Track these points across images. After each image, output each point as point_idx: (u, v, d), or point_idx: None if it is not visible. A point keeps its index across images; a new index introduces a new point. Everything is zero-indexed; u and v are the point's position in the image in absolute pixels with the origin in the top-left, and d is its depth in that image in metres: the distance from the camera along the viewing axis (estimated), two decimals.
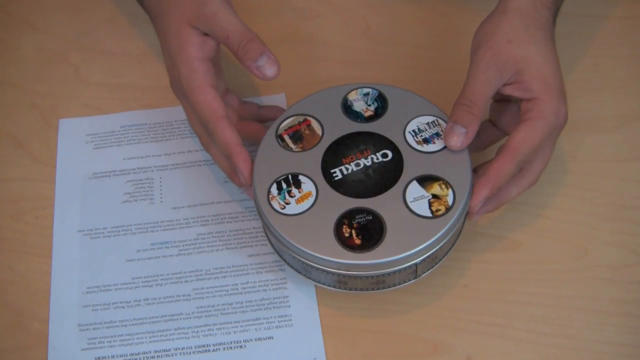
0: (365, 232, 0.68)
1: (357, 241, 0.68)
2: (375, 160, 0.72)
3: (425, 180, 0.70)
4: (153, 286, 0.75)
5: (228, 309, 0.74)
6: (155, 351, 0.72)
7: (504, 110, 0.75)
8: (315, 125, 0.74)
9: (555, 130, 0.71)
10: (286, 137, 0.73)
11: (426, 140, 0.72)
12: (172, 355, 0.72)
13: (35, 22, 0.91)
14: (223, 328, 0.73)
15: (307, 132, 0.73)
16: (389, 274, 0.69)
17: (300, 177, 0.71)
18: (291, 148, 0.73)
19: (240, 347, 0.72)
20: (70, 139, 0.83)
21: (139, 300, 0.75)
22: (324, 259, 0.68)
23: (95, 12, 0.92)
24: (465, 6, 0.88)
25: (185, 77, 0.72)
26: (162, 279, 0.76)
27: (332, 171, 0.71)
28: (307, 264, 0.69)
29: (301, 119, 0.74)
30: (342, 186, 0.70)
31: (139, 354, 0.72)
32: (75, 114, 0.85)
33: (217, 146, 0.73)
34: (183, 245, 0.77)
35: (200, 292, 0.75)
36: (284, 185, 0.70)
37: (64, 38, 0.90)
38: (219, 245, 0.77)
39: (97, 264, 0.76)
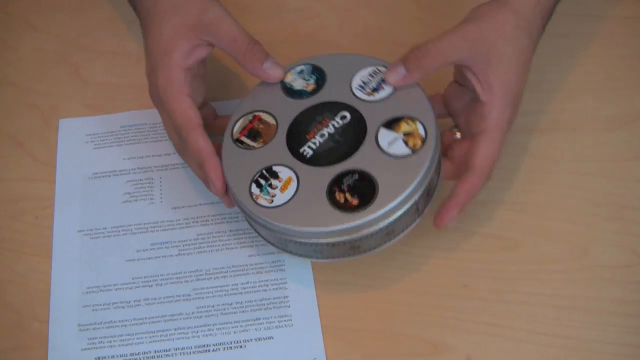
0: (358, 190, 0.68)
1: (355, 201, 0.68)
2: (336, 126, 0.72)
3: (391, 124, 0.71)
4: (153, 286, 0.75)
5: (228, 309, 0.74)
6: (155, 351, 0.72)
7: (459, 94, 0.75)
8: (266, 117, 0.74)
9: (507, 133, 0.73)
10: (244, 138, 0.73)
11: (375, 90, 0.73)
12: (172, 355, 0.72)
13: (35, 22, 0.91)
14: (223, 328, 0.73)
15: (261, 126, 0.74)
16: (396, 220, 0.69)
17: (275, 168, 0.71)
18: (253, 146, 0.73)
19: (240, 347, 0.72)
20: (70, 139, 0.83)
21: (139, 300, 0.75)
22: (334, 230, 0.68)
23: (95, 12, 0.92)
24: (465, 6, 0.88)
25: (163, 83, 0.72)
26: (162, 279, 0.76)
27: (301, 150, 0.71)
28: (318, 245, 0.69)
29: (250, 116, 0.74)
30: (316, 160, 0.71)
31: (139, 354, 0.72)
32: (75, 114, 0.85)
33: (190, 154, 0.73)
34: (183, 245, 0.77)
35: (200, 292, 0.75)
36: (262, 182, 0.70)
37: (64, 38, 0.90)
38: (219, 245, 0.77)
39: (97, 264, 0.76)
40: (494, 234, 0.77)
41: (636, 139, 0.81)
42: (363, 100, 0.73)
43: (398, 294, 0.74)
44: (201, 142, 0.72)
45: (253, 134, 0.73)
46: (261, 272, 0.76)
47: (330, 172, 0.70)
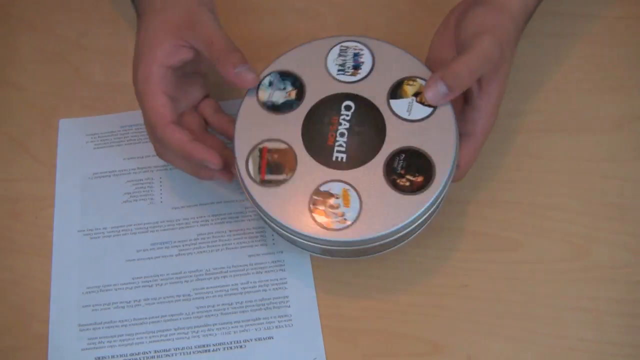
0: (414, 168, 0.69)
1: (420, 178, 0.68)
2: (347, 118, 0.70)
3: (395, 93, 0.71)
4: (153, 286, 0.75)
5: (228, 309, 0.74)
6: (155, 351, 0.72)
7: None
8: (273, 145, 0.71)
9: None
10: (269, 177, 0.70)
11: (356, 67, 0.72)
12: (172, 355, 0.72)
13: (35, 22, 0.91)
14: (223, 328, 0.73)
15: (275, 156, 0.70)
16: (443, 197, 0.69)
17: (322, 188, 0.69)
18: (284, 179, 0.69)
19: (240, 347, 0.73)
20: (70, 139, 0.83)
21: (139, 300, 0.75)
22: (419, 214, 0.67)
23: (95, 12, 0.92)
24: None
25: (141, 78, 0.72)
26: (162, 279, 0.76)
27: (334, 159, 0.69)
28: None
29: (257, 152, 0.71)
30: (355, 160, 0.69)
31: (139, 354, 0.72)
32: (75, 114, 0.85)
33: (171, 151, 0.73)
34: (183, 245, 0.77)
35: (200, 292, 0.75)
36: (322, 207, 0.68)
37: (64, 38, 0.90)
38: (219, 245, 0.77)
39: (97, 264, 0.77)
40: (494, 234, 0.77)
41: (636, 139, 0.81)
42: (353, 82, 0.72)
43: (398, 294, 0.74)
44: (177, 136, 0.71)
45: (274, 168, 0.70)
46: (261, 272, 0.76)
47: (376, 164, 0.69)
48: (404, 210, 0.67)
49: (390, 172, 0.68)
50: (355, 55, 0.73)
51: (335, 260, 0.73)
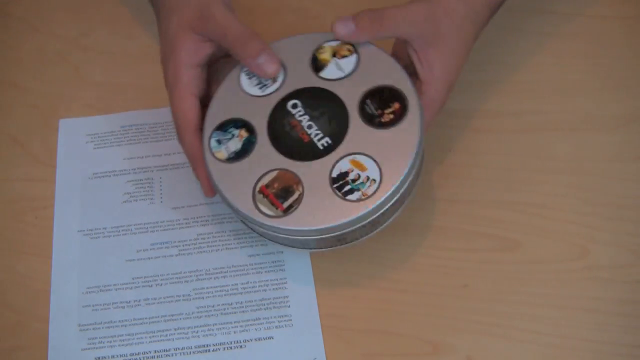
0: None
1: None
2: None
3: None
4: (153, 286, 0.75)
5: (228, 309, 0.74)
6: (155, 351, 0.72)
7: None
8: (279, 175, 0.70)
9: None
10: (286, 204, 0.69)
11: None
12: (172, 355, 0.72)
13: (35, 22, 0.91)
14: (223, 328, 0.73)
15: (279, 185, 0.70)
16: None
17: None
18: (292, 208, 0.69)
19: (240, 347, 0.73)
20: (70, 139, 0.83)
21: (139, 300, 0.75)
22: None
23: (95, 12, 0.92)
24: None
25: (170, 81, 0.73)
26: (162, 279, 0.76)
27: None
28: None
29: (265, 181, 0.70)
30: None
31: (139, 354, 0.72)
32: (75, 114, 0.85)
33: (184, 152, 0.74)
34: (183, 245, 0.77)
35: (200, 292, 0.75)
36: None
37: (64, 38, 0.90)
38: (219, 245, 0.77)
39: (97, 264, 0.77)
40: (494, 234, 0.77)
41: (636, 139, 0.81)
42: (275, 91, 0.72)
43: (398, 294, 0.74)
44: (196, 145, 0.72)
45: (284, 195, 0.69)
46: (261, 272, 0.76)
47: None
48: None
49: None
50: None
51: (335, 260, 0.73)
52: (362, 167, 0.68)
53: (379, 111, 0.70)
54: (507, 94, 0.84)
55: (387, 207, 0.68)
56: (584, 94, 0.83)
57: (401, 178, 0.68)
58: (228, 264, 0.76)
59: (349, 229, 0.68)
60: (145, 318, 0.74)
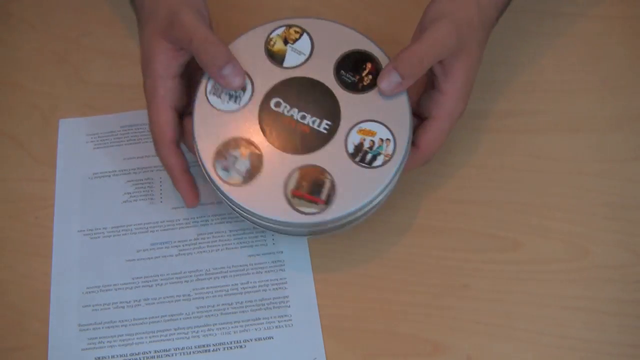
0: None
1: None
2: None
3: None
4: (153, 286, 0.75)
5: (228, 309, 0.74)
6: (155, 351, 0.72)
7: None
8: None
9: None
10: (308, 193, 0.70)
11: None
12: (172, 355, 0.72)
13: (35, 22, 0.91)
14: (223, 328, 0.73)
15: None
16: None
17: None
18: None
19: (240, 347, 0.73)
20: (70, 139, 0.83)
21: (139, 300, 0.75)
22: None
23: (95, 12, 0.92)
24: None
25: (148, 91, 0.73)
26: (162, 279, 0.76)
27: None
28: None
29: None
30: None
31: (139, 354, 0.72)
32: (75, 114, 0.85)
33: (163, 166, 0.74)
34: (183, 245, 0.77)
35: (200, 292, 0.75)
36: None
37: (64, 38, 0.90)
38: (219, 245, 0.77)
39: (97, 264, 0.77)
40: (494, 234, 0.77)
41: (636, 139, 0.81)
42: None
43: (398, 294, 0.74)
44: (173, 160, 0.72)
45: (317, 189, 0.69)
46: (261, 272, 0.76)
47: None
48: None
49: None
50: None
51: (335, 260, 0.73)
52: (371, 133, 0.70)
53: (357, 77, 0.71)
54: (507, 94, 0.84)
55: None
56: (584, 94, 0.84)
57: (409, 125, 0.70)
58: (228, 264, 0.76)
59: (388, 192, 0.70)
60: (145, 318, 0.74)
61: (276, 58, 0.73)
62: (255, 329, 0.73)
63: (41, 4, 0.92)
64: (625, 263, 0.75)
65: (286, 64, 0.72)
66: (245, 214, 0.70)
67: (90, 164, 0.82)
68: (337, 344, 0.72)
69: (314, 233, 0.73)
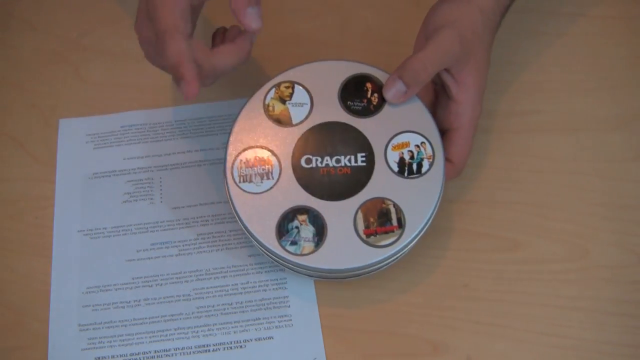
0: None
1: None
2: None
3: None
4: (153, 286, 0.75)
5: (228, 309, 0.74)
6: (155, 351, 0.72)
7: (424, 92, 0.76)
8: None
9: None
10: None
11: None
12: (172, 355, 0.72)
13: (35, 22, 0.91)
14: (223, 328, 0.73)
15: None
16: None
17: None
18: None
19: (240, 347, 0.73)
20: (70, 139, 0.83)
21: (139, 300, 0.75)
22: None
23: (95, 12, 0.92)
24: None
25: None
26: (162, 279, 0.76)
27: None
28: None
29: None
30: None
31: (138, 354, 0.72)
32: (75, 114, 0.85)
33: (164, 59, 0.68)
34: (183, 245, 0.77)
35: (200, 292, 0.75)
36: None
37: (64, 38, 0.90)
38: (219, 245, 0.77)
39: (97, 264, 0.77)
40: (494, 234, 0.77)
41: (636, 139, 0.81)
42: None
43: (398, 294, 0.74)
44: (183, 46, 0.66)
45: (385, 218, 0.70)
46: (261, 272, 0.76)
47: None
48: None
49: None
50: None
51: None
52: (405, 145, 0.71)
53: (364, 100, 0.72)
54: (507, 94, 0.84)
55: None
56: (584, 94, 0.84)
57: (431, 119, 0.71)
58: (228, 264, 0.76)
59: (441, 191, 0.70)
60: (145, 318, 0.74)
61: (283, 121, 0.73)
62: (255, 329, 0.73)
63: (41, 4, 0.92)
64: (625, 263, 0.75)
65: (295, 120, 0.72)
66: (325, 274, 0.70)
67: (90, 164, 0.82)
68: (337, 344, 0.72)
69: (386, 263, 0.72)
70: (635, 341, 0.72)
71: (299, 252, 0.69)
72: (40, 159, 0.83)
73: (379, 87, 0.73)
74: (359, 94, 0.73)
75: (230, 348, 0.72)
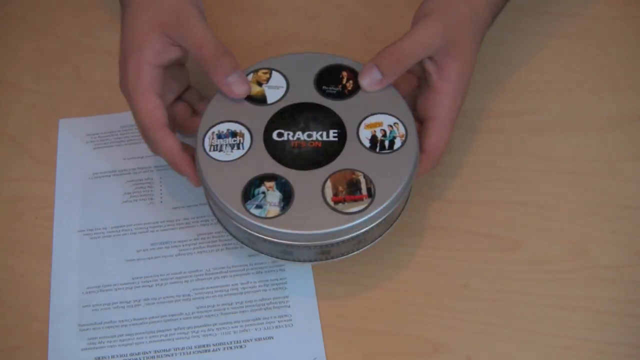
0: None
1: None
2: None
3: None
4: (153, 286, 0.75)
5: (228, 309, 0.74)
6: (155, 351, 0.72)
7: (407, 78, 0.76)
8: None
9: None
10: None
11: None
12: (172, 355, 0.72)
13: (35, 22, 0.91)
14: (223, 328, 0.73)
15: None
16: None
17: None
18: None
19: (240, 347, 0.73)
20: (70, 138, 0.83)
21: (139, 300, 0.75)
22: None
23: (95, 12, 0.92)
24: None
25: (132, 79, 0.71)
26: (162, 279, 0.76)
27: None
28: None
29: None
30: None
31: (138, 354, 0.72)
32: (75, 114, 0.85)
33: (159, 153, 0.73)
34: (183, 245, 0.77)
35: (200, 292, 0.75)
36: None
37: (64, 38, 0.90)
38: (219, 245, 0.77)
39: (97, 264, 0.76)
40: (494, 234, 0.77)
41: (636, 139, 0.81)
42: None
43: (398, 294, 0.74)
44: (170, 141, 0.71)
45: (355, 187, 0.69)
46: (261, 272, 0.76)
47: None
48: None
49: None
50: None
51: (334, 260, 0.73)
52: (377, 124, 0.71)
53: (339, 86, 0.73)
54: (507, 94, 0.84)
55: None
56: (584, 94, 0.84)
57: (404, 103, 0.72)
58: (228, 264, 0.76)
59: (414, 167, 0.70)
60: (145, 318, 0.74)
61: (258, 99, 0.73)
62: (255, 329, 0.73)
63: (41, 4, 0.92)
64: (625, 263, 0.75)
65: (270, 100, 0.73)
66: (289, 242, 0.69)
67: (90, 163, 0.82)
68: (337, 344, 0.72)
69: (360, 243, 0.71)
70: (635, 341, 0.72)
71: (263, 215, 0.68)
72: (40, 159, 0.83)
73: (354, 75, 0.74)
74: (334, 80, 0.74)
75: (230, 348, 0.72)
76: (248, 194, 0.69)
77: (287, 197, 0.69)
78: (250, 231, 0.69)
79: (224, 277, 0.76)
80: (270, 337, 0.73)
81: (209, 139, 0.71)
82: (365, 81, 0.72)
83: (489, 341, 0.72)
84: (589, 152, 0.81)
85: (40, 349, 0.73)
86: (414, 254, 0.76)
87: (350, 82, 0.74)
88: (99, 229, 0.78)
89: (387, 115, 0.72)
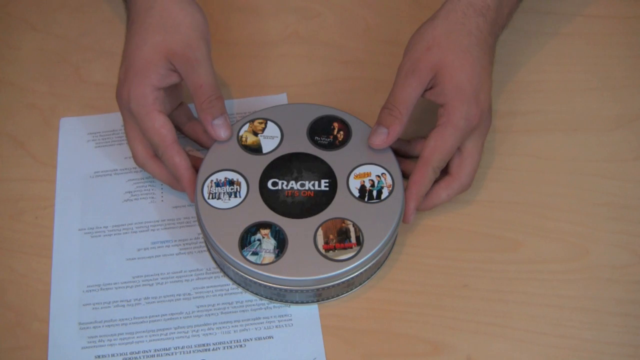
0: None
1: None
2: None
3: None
4: (153, 285, 0.75)
5: (228, 308, 0.74)
6: (155, 350, 0.72)
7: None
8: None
9: (467, 133, 0.73)
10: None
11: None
12: (172, 354, 0.72)
13: (35, 22, 0.91)
14: (223, 327, 0.73)
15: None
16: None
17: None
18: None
19: (240, 346, 0.72)
20: (71, 137, 0.83)
21: (139, 299, 0.75)
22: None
23: (95, 12, 0.92)
24: None
25: (135, 100, 0.74)
26: (162, 278, 0.76)
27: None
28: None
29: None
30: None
31: (139, 352, 0.72)
32: (75, 114, 0.85)
33: (167, 168, 0.76)
34: (184, 244, 0.77)
35: (201, 291, 0.75)
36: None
37: (64, 38, 0.90)
38: None
39: (97, 263, 0.76)
40: (494, 234, 0.77)
41: (636, 139, 0.81)
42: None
43: (398, 294, 0.74)
44: (178, 159, 0.74)
45: (344, 236, 0.72)
46: None
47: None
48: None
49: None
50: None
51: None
52: (366, 174, 0.74)
53: (331, 137, 0.76)
54: (508, 94, 0.84)
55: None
56: (584, 94, 0.84)
57: (392, 155, 0.75)
58: None
59: (400, 216, 0.73)
60: (146, 317, 0.74)
61: (254, 149, 0.76)
62: (255, 329, 0.73)
63: (41, 4, 0.93)
64: (625, 263, 0.75)
65: (265, 150, 0.76)
66: (282, 287, 0.71)
67: (91, 162, 0.82)
68: (337, 344, 0.72)
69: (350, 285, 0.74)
70: (636, 341, 0.72)
71: (259, 262, 0.71)
72: (41, 159, 0.83)
73: (345, 126, 0.77)
74: (325, 130, 0.77)
75: (230, 347, 0.72)
76: (244, 241, 0.72)
77: (281, 244, 0.71)
78: (246, 276, 0.71)
79: (224, 276, 0.75)
80: (270, 337, 0.73)
81: (208, 187, 0.74)
82: (376, 141, 0.74)
83: (489, 341, 0.72)
84: (589, 152, 0.81)
85: (40, 349, 0.73)
86: (414, 254, 0.76)
87: (341, 132, 0.76)
88: (100, 227, 0.78)
89: (375, 166, 0.75)
